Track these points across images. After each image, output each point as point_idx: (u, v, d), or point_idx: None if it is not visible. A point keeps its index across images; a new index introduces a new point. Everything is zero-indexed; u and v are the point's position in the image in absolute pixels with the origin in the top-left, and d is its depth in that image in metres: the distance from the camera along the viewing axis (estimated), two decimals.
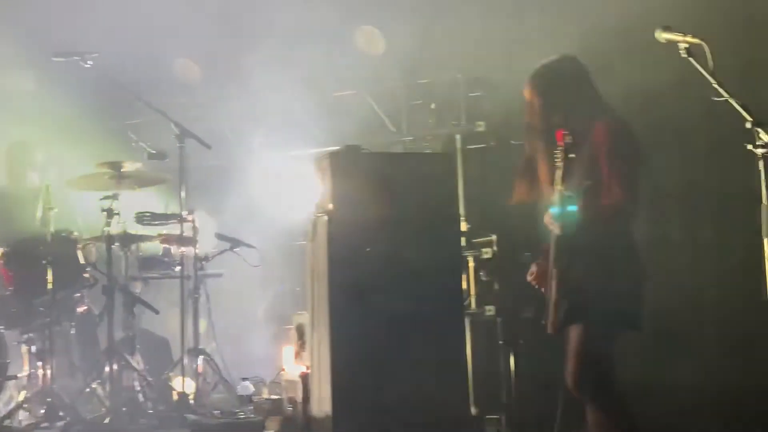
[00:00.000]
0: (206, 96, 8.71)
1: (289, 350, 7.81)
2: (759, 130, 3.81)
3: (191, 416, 6.61)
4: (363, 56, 8.15)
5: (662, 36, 4.33)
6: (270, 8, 8.13)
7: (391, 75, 8.18)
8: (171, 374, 7.29)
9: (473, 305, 7.36)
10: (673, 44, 4.26)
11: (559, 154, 4.62)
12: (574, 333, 4.85)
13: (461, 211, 7.35)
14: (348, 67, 8.29)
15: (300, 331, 7.35)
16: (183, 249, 7.20)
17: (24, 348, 6.94)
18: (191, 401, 6.88)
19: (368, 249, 6.39)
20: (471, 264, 7.38)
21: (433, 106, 8.17)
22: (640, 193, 4.88)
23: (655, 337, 6.54)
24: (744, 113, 3.87)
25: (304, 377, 6.96)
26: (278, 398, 7.39)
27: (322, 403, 6.51)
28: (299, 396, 7.02)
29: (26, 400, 6.71)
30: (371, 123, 8.23)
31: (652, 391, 6.83)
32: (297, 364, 7.41)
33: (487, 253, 7.38)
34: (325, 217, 6.52)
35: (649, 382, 6.88)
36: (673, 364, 7.07)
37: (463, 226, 7.30)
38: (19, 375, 6.89)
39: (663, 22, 4.39)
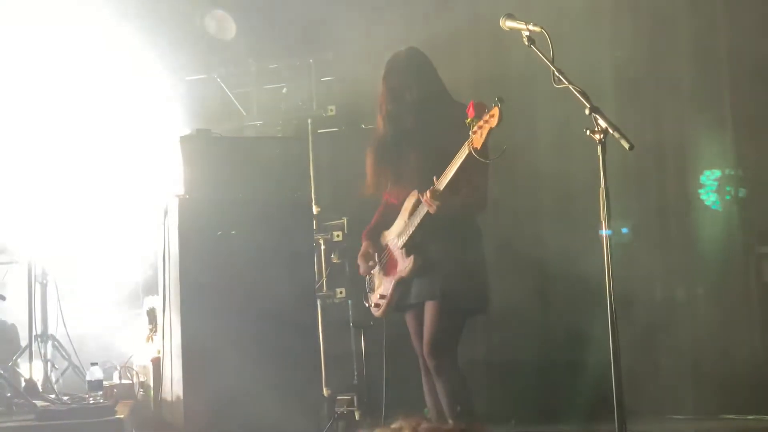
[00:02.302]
0: None
1: (140, 334, 7.66)
2: (596, 116, 3.83)
3: (39, 402, 6.37)
4: (214, 40, 7.99)
5: (506, 24, 4.31)
6: None
7: (242, 59, 8.02)
8: (19, 360, 7.06)
9: (325, 288, 7.33)
10: (517, 32, 4.25)
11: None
12: (429, 309, 4.89)
13: (312, 194, 7.26)
14: (200, 51, 8.10)
15: (152, 315, 7.19)
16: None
17: None
18: (39, 387, 6.66)
19: (220, 232, 6.29)
20: (322, 246, 7.34)
21: (284, 90, 8.06)
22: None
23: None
24: (583, 99, 3.88)
25: (156, 361, 6.82)
26: (129, 383, 7.23)
27: (173, 386, 6.38)
28: (150, 380, 6.89)
29: None
30: (223, 107, 8.07)
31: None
32: (148, 348, 7.27)
33: (338, 235, 7.35)
34: (176, 201, 6.40)
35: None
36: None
37: (315, 209, 7.24)
38: None
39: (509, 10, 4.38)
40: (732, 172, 7.26)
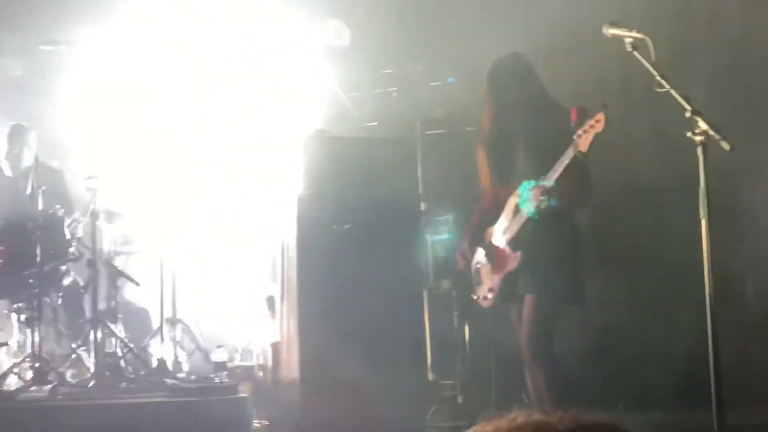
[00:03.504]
0: None
1: (260, 320, 7.78)
2: (697, 118, 3.80)
3: (169, 380, 6.51)
4: (331, 48, 8.09)
5: (609, 31, 4.29)
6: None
7: (357, 65, 8.10)
8: (150, 342, 7.22)
9: (431, 279, 7.36)
10: (618, 39, 4.23)
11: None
12: (529, 301, 4.92)
13: (420, 192, 7.30)
14: (317, 58, 8.21)
15: (271, 303, 7.30)
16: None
17: (14, 317, 6.81)
18: (169, 367, 6.78)
19: (335, 226, 6.36)
20: (429, 241, 7.37)
21: (395, 94, 8.12)
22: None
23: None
24: (684, 103, 3.85)
25: (274, 345, 6.92)
26: (250, 365, 7.35)
27: (290, 370, 6.48)
28: (269, 363, 6.99)
29: (16, 365, 6.56)
30: (338, 110, 8.15)
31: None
32: (268, 333, 7.38)
33: (444, 230, 7.39)
34: (296, 197, 6.50)
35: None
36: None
37: (422, 206, 7.27)
38: (9, 342, 6.78)
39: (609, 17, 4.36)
40: None
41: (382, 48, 8.02)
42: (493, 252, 5.14)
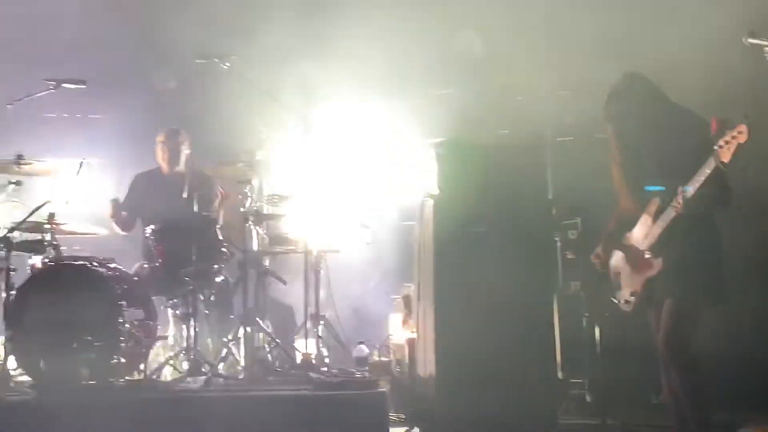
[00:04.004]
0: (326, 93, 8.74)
1: (396, 318, 7.92)
2: None
3: (313, 374, 6.67)
4: (462, 57, 8.20)
5: (748, 41, 4.28)
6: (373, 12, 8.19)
7: (489, 74, 8.18)
8: (295, 337, 7.40)
9: (560, 281, 7.38)
10: (757, 49, 4.21)
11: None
12: (667, 306, 4.93)
13: (550, 196, 7.32)
14: (450, 68, 8.34)
15: (407, 301, 7.43)
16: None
17: (170, 312, 7.11)
18: (313, 361, 6.94)
19: (470, 229, 6.45)
20: (558, 244, 7.40)
21: (525, 102, 8.18)
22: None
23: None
24: None
25: (411, 342, 7.04)
26: (387, 360, 7.49)
27: (426, 365, 6.59)
28: (406, 358, 7.11)
29: (172, 357, 6.86)
30: (471, 118, 8.24)
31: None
32: (404, 330, 7.51)
33: (573, 234, 7.40)
34: (431, 201, 6.62)
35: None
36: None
37: (552, 210, 7.29)
38: (166, 335, 7.07)
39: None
40: None
41: (513, 57, 8.06)
42: (633, 256, 5.18)
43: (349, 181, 8.63)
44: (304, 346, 7.05)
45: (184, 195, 6.88)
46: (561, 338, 7.06)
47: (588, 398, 7.07)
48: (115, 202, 7.60)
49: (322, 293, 7.36)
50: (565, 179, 7.59)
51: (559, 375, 6.95)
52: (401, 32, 8.06)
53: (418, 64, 8.36)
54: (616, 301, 5.37)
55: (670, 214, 4.89)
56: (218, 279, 7.13)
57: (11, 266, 6.67)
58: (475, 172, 6.57)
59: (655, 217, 5.01)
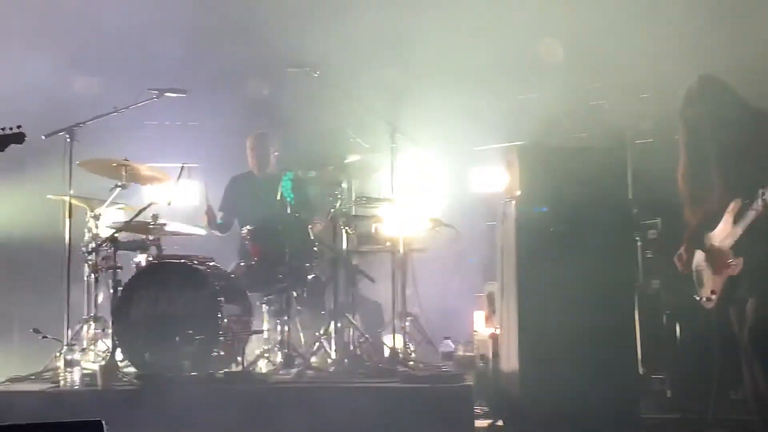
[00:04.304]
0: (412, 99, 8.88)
1: (480, 314, 8.01)
2: None
3: (401, 368, 6.79)
4: (541, 64, 8.26)
5: None
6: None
7: (569, 80, 8.23)
8: (383, 332, 7.52)
9: (641, 279, 7.39)
10: None
11: None
12: (750, 304, 4.96)
13: (630, 196, 7.34)
14: (531, 73, 8.40)
15: (490, 299, 7.50)
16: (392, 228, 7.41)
17: (264, 308, 7.28)
18: (401, 355, 7.05)
19: (552, 229, 6.50)
20: (638, 243, 7.40)
21: (606, 106, 8.21)
22: None
23: None
24: None
25: (494, 338, 7.10)
26: (471, 355, 7.57)
27: (510, 360, 6.66)
28: (489, 353, 7.17)
29: (267, 351, 7.05)
30: (552, 122, 8.30)
31: None
32: (487, 326, 7.59)
33: (653, 233, 7.40)
34: (513, 202, 6.69)
35: None
36: None
37: (633, 211, 7.31)
38: (261, 330, 7.26)
39: None
40: None
41: (593, 61, 8.10)
42: (714, 257, 5.18)
43: (435, 182, 8.78)
44: (392, 341, 7.15)
45: (278, 197, 7.07)
46: (641, 335, 7.07)
47: (668, 393, 7.07)
48: (209, 212, 7.82)
49: (408, 290, 7.47)
50: (645, 180, 7.60)
51: (640, 370, 6.96)
52: (484, 38, 8.15)
53: (501, 69, 8.45)
54: (698, 299, 5.39)
55: (750, 215, 4.89)
56: (310, 277, 7.27)
57: (118, 264, 6.95)
58: (557, 173, 6.61)
59: (736, 219, 5.02)
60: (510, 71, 8.47)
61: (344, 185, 7.24)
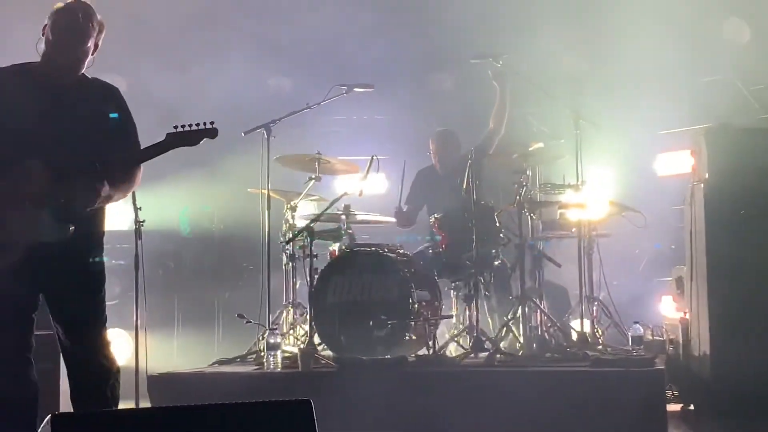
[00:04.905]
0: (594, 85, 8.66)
1: (668, 299, 7.75)
2: None
3: (589, 352, 6.66)
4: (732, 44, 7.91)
5: None
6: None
7: (758, 59, 7.84)
8: (570, 317, 7.39)
9: None
10: None
11: None
12: None
13: None
14: (717, 54, 8.06)
15: (679, 283, 7.26)
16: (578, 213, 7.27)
17: (453, 293, 7.28)
18: (589, 339, 6.90)
19: (742, 212, 6.24)
20: None
21: None
22: None
23: None
24: None
25: (684, 322, 6.88)
26: (661, 339, 7.34)
27: (701, 344, 6.43)
28: (679, 338, 6.95)
29: (456, 335, 7.04)
30: (739, 103, 7.95)
31: None
32: (676, 310, 7.35)
33: None
34: (702, 185, 6.44)
35: None
36: None
37: None
38: (451, 315, 7.27)
39: None
40: None
41: None
42: None
43: (619, 167, 8.55)
44: (579, 326, 7.02)
45: (464, 186, 7.04)
46: None
47: None
48: (398, 212, 7.88)
49: (594, 275, 7.31)
50: None
51: None
52: (668, 21, 7.86)
53: (685, 51, 8.14)
54: None
55: None
56: (497, 263, 7.22)
57: (313, 253, 7.09)
58: (745, 155, 6.35)
59: None
60: (695, 53, 8.14)
61: (528, 172, 7.13)
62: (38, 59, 4.63)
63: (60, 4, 4.59)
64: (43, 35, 4.59)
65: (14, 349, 4.61)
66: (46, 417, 4.15)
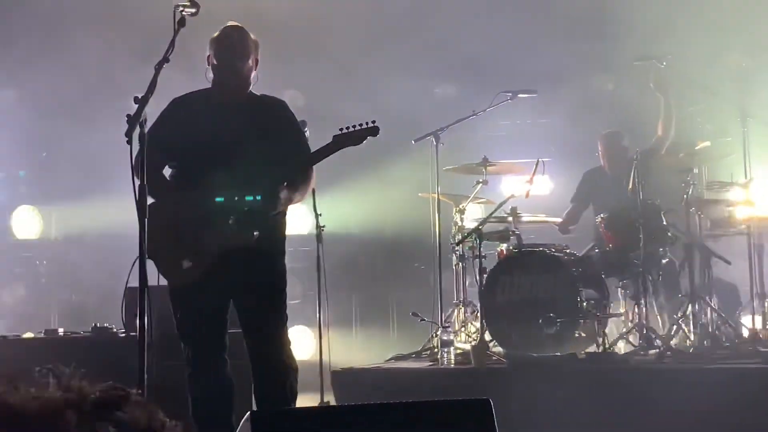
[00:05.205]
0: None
1: None
2: None
3: (762, 349, 6.50)
4: None
5: None
6: None
7: None
8: (741, 314, 7.23)
9: None
10: None
11: None
12: None
13: None
14: None
15: None
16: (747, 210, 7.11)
17: (621, 292, 7.26)
18: (761, 336, 6.73)
19: None
20: None
21: None
22: None
23: None
24: None
25: None
26: None
27: None
28: None
29: (625, 332, 7.01)
30: None
31: None
32: None
33: None
34: None
35: None
36: None
37: None
38: (620, 313, 7.24)
39: None
40: None
41: None
42: None
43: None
44: (751, 322, 6.87)
45: (629, 187, 7.00)
46: None
47: None
48: (562, 227, 7.95)
49: (765, 271, 7.10)
50: None
51: None
52: None
53: None
54: None
55: None
56: (664, 261, 7.15)
57: (482, 253, 7.22)
58: None
59: None
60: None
61: (695, 171, 7.03)
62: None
63: (215, 33, 4.92)
64: (209, 65, 4.93)
65: (211, 350, 4.93)
66: (241, 408, 4.48)
